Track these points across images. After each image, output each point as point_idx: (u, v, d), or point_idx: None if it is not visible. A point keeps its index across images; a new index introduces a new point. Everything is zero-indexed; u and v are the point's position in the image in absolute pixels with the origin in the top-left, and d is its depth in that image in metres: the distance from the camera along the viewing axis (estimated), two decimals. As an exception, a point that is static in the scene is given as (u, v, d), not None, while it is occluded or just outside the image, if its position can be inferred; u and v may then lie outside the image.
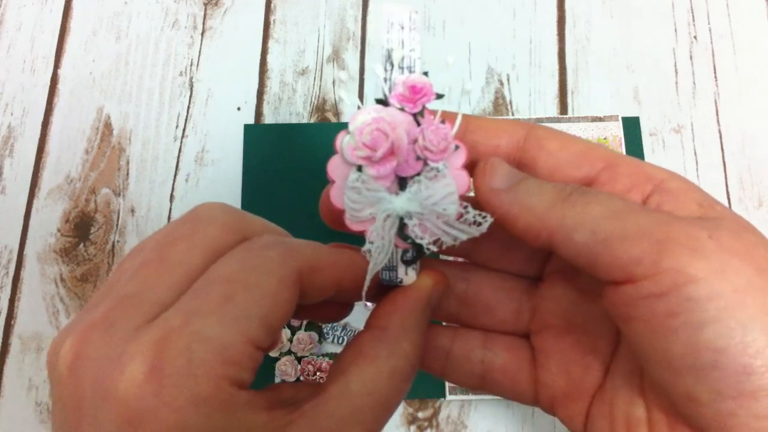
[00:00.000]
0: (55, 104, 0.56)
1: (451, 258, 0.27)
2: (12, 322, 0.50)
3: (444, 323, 0.27)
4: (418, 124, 0.22)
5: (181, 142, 0.54)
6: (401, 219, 0.22)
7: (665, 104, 0.53)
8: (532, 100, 0.54)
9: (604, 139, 0.51)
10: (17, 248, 0.52)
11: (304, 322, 0.47)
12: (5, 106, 0.56)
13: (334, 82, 0.55)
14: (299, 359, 0.47)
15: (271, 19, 0.57)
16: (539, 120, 0.52)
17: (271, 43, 0.57)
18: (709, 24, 0.55)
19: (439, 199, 0.21)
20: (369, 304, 0.24)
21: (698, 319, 0.18)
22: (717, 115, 0.53)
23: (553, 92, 0.54)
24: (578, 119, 0.52)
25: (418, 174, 0.22)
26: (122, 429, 0.17)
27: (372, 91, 0.55)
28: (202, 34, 0.57)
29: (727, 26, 0.55)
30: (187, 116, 0.55)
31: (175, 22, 0.58)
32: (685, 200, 0.21)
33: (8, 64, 0.57)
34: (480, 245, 0.24)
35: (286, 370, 0.46)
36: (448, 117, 0.22)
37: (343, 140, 0.22)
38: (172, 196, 0.53)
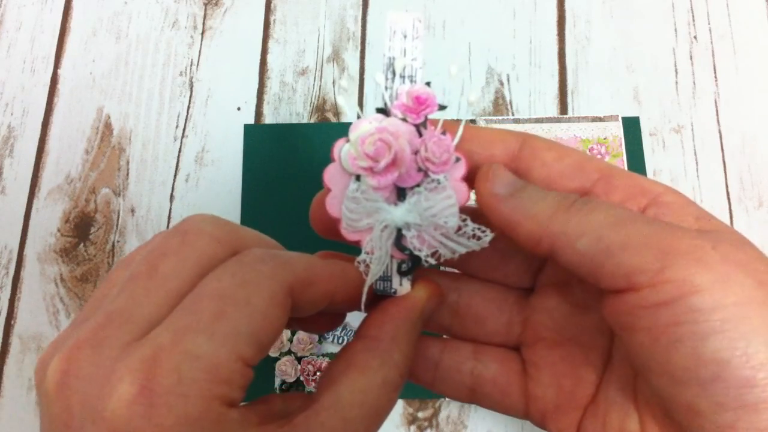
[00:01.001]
0: (55, 104, 0.56)
1: (442, 268, 0.27)
2: (12, 322, 0.50)
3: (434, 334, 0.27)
4: (420, 135, 0.22)
5: (181, 142, 0.54)
6: (399, 230, 0.22)
7: (665, 104, 0.53)
8: (532, 100, 0.54)
9: (604, 139, 0.51)
10: (17, 248, 0.52)
11: (304, 322, 0.48)
12: (5, 106, 0.56)
13: (334, 83, 0.55)
14: (299, 359, 0.47)
15: (271, 19, 0.57)
16: (539, 120, 0.52)
17: (271, 43, 0.57)
18: (709, 24, 0.55)
19: (439, 211, 0.21)
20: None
21: (702, 330, 0.18)
22: (717, 115, 0.53)
23: (553, 92, 0.54)
24: (578, 119, 0.52)
25: (418, 185, 0.22)
26: None
27: (372, 92, 0.55)
28: (202, 34, 0.57)
29: (727, 26, 0.55)
30: (187, 116, 0.55)
31: (175, 22, 0.58)
32: (683, 213, 0.21)
33: (8, 64, 0.57)
34: (473, 256, 0.23)
35: (286, 370, 0.46)
36: (448, 126, 0.22)
37: (342, 149, 0.22)
38: (172, 196, 0.53)
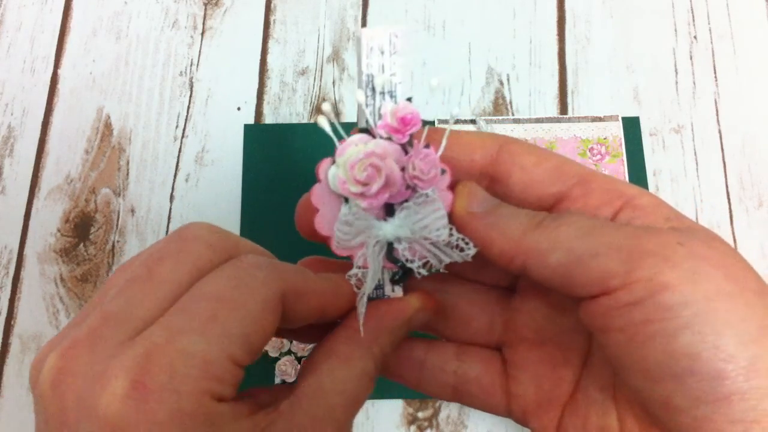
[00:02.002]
0: (55, 104, 0.56)
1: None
2: (12, 322, 0.50)
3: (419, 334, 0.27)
4: (406, 152, 0.22)
5: (181, 142, 0.54)
6: (390, 242, 0.22)
7: (665, 104, 0.53)
8: (532, 100, 0.54)
9: (604, 139, 0.51)
10: (17, 248, 0.52)
11: (304, 322, 0.48)
12: (5, 106, 0.56)
13: (334, 82, 0.55)
14: (299, 359, 0.47)
15: (271, 19, 0.57)
16: (539, 120, 0.52)
17: (271, 43, 0.57)
18: (709, 24, 0.55)
19: (430, 223, 0.21)
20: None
21: (672, 326, 0.18)
22: (717, 115, 0.53)
23: (553, 92, 0.54)
24: (578, 119, 0.52)
25: (407, 200, 0.22)
26: None
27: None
28: (202, 34, 0.57)
29: (727, 26, 0.55)
30: (187, 116, 0.55)
31: (175, 22, 0.58)
32: (655, 215, 0.21)
33: (8, 64, 0.57)
34: None
35: (286, 370, 0.46)
36: (431, 137, 0.22)
37: (329, 172, 0.22)
38: (172, 196, 0.53)
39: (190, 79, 0.56)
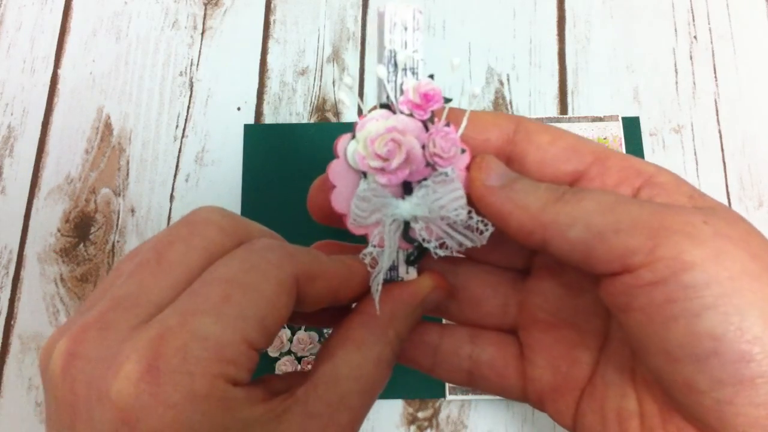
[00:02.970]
0: (55, 104, 0.56)
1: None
2: (12, 322, 0.50)
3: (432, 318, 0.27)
4: (426, 130, 0.21)
5: (181, 142, 0.54)
6: (406, 222, 0.22)
7: (665, 104, 0.53)
8: (532, 100, 0.54)
9: (604, 139, 0.51)
10: (17, 248, 0.52)
11: (304, 322, 0.48)
12: (5, 106, 0.56)
13: (334, 82, 0.55)
14: (299, 359, 0.47)
15: (271, 19, 0.57)
16: (539, 120, 0.52)
17: (271, 43, 0.57)
18: (709, 24, 0.55)
19: (448, 203, 0.21)
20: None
21: (696, 306, 0.18)
22: (717, 115, 0.53)
23: (553, 92, 0.54)
24: (578, 119, 0.52)
25: (425, 178, 0.21)
26: (118, 429, 0.17)
27: (372, 92, 0.54)
28: (202, 34, 0.57)
29: (727, 26, 0.55)
30: (187, 116, 0.55)
31: (175, 22, 0.58)
32: (676, 193, 0.21)
33: (8, 64, 0.57)
34: None
35: (286, 370, 0.46)
36: (451, 116, 0.22)
37: (348, 147, 0.21)
38: (172, 196, 0.53)
39: (190, 79, 0.56)
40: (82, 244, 0.52)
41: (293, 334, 0.47)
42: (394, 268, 0.23)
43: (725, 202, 0.50)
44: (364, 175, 0.21)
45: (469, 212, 0.21)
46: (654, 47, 0.55)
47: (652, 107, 0.53)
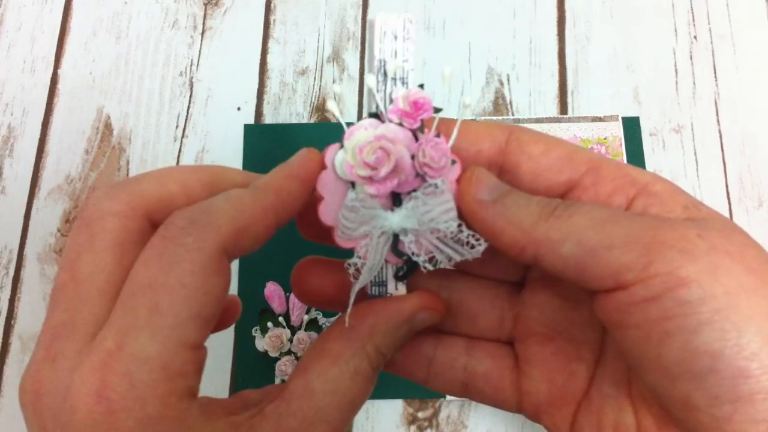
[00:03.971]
0: (55, 104, 0.56)
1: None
2: (12, 322, 0.50)
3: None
4: (416, 139, 0.21)
5: (181, 142, 0.54)
6: (395, 235, 0.21)
7: (665, 104, 0.53)
8: (532, 100, 0.54)
9: (604, 139, 0.51)
10: (17, 248, 0.52)
11: (304, 322, 0.47)
12: (5, 106, 0.56)
13: (334, 82, 0.55)
14: (299, 359, 0.47)
15: (271, 19, 0.57)
16: (539, 120, 0.52)
17: (271, 43, 0.57)
18: (709, 24, 0.55)
19: (438, 215, 0.21)
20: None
21: (692, 323, 0.17)
22: (717, 115, 0.53)
23: (553, 92, 0.54)
24: (578, 119, 0.52)
25: (415, 189, 0.21)
26: None
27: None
28: (202, 34, 0.57)
29: (727, 26, 0.55)
30: (187, 116, 0.55)
31: (175, 22, 0.58)
32: (671, 203, 0.20)
33: (8, 64, 0.57)
34: None
35: (286, 370, 0.46)
36: (442, 126, 0.22)
37: (336, 156, 0.21)
38: (172, 196, 0.53)
39: (190, 79, 0.56)
40: (82, 244, 0.52)
41: (293, 334, 0.47)
42: (383, 283, 0.23)
43: (725, 202, 0.51)
44: (353, 185, 0.21)
45: (459, 225, 0.21)
46: (654, 47, 0.55)
47: (652, 107, 0.53)
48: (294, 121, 0.54)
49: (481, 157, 0.22)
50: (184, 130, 0.54)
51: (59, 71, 0.57)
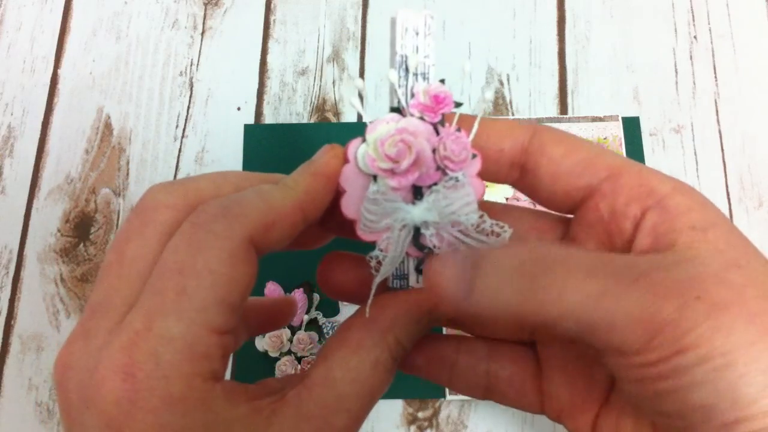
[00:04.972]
0: (55, 104, 0.56)
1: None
2: (12, 322, 0.50)
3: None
4: (437, 133, 0.21)
5: (181, 142, 0.54)
6: (416, 228, 0.22)
7: (665, 104, 0.53)
8: (532, 100, 0.54)
9: (604, 139, 0.51)
10: (17, 248, 0.52)
11: (304, 322, 0.47)
12: (5, 106, 0.56)
13: (334, 82, 0.55)
14: (299, 359, 0.47)
15: (271, 19, 0.57)
16: (539, 120, 0.52)
17: (271, 43, 0.57)
18: (709, 24, 0.55)
19: (459, 208, 0.21)
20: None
21: (687, 383, 0.18)
22: (717, 115, 0.53)
23: (553, 92, 0.54)
24: (578, 119, 0.52)
25: (435, 183, 0.21)
26: None
27: (372, 92, 0.55)
28: (202, 34, 0.57)
29: (727, 26, 0.55)
30: (187, 116, 0.55)
31: (175, 22, 0.58)
32: (680, 222, 0.20)
33: (8, 64, 0.57)
34: None
35: (286, 370, 0.46)
36: (462, 122, 0.22)
37: (358, 150, 0.21)
38: (172, 196, 0.53)
39: (190, 79, 0.56)
40: (82, 244, 0.52)
41: (293, 334, 0.47)
42: (404, 276, 0.23)
43: (725, 202, 0.51)
44: (375, 179, 0.21)
45: (481, 216, 0.21)
46: (654, 47, 0.55)
47: (652, 107, 0.53)
48: (294, 121, 0.54)
49: (503, 156, 0.23)
50: (184, 130, 0.54)
51: (59, 71, 0.57)
